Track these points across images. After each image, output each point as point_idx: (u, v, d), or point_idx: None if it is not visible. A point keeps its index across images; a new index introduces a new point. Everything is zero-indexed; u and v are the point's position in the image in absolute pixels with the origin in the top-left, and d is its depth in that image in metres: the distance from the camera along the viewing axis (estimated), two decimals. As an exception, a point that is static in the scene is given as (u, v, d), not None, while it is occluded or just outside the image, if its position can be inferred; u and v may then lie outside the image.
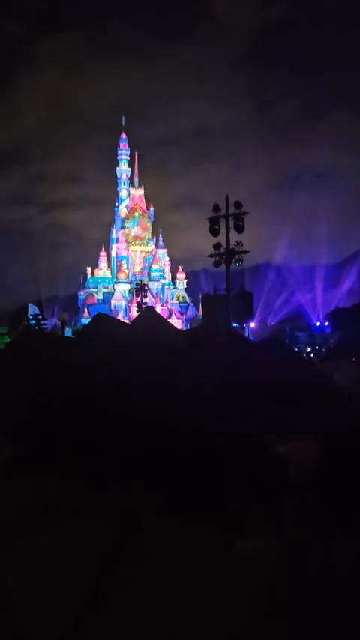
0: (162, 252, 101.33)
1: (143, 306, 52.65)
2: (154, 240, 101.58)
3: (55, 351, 8.29)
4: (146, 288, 62.71)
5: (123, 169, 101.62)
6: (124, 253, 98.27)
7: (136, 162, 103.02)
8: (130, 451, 5.78)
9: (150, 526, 5.14)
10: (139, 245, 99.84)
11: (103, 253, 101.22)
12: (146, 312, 11.56)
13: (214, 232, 20.40)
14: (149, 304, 57.00)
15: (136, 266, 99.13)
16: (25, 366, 7.66)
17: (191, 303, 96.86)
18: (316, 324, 78.21)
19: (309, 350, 55.86)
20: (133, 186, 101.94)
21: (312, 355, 43.74)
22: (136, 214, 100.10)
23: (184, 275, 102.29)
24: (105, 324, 9.35)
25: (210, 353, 7.74)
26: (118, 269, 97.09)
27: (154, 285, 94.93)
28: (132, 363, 6.85)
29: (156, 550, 4.75)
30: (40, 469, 5.77)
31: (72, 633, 3.99)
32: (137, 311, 52.95)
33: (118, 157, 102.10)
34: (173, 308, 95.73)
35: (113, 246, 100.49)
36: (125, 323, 11.58)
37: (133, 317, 40.84)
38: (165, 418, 6.11)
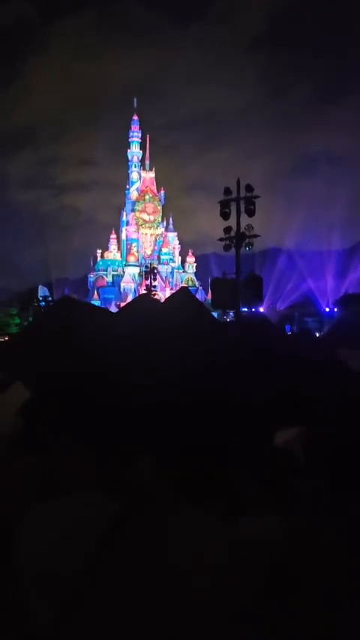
0: (172, 236, 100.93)
1: (152, 289, 52.76)
2: (165, 223, 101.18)
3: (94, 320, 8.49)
4: (156, 271, 62.59)
5: (134, 152, 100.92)
6: (134, 236, 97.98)
7: (148, 145, 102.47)
8: (145, 425, 5.94)
9: (158, 503, 5.17)
10: (150, 228, 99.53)
11: (113, 236, 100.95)
12: (181, 293, 11.61)
13: (225, 216, 20.34)
14: (157, 287, 57.07)
15: (146, 249, 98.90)
16: (61, 330, 7.83)
17: (200, 287, 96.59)
18: (325, 309, 77.90)
19: (317, 335, 55.69)
20: (144, 169, 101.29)
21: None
22: (147, 197, 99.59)
23: (193, 259, 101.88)
24: (146, 304, 9.58)
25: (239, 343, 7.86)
26: (128, 252, 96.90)
27: (163, 269, 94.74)
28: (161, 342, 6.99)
29: (159, 527, 4.74)
30: (54, 434, 5.86)
31: (72, 605, 4.00)
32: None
33: (130, 140, 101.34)
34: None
35: (123, 229, 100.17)
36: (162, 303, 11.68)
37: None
38: (180, 396, 6.28)
